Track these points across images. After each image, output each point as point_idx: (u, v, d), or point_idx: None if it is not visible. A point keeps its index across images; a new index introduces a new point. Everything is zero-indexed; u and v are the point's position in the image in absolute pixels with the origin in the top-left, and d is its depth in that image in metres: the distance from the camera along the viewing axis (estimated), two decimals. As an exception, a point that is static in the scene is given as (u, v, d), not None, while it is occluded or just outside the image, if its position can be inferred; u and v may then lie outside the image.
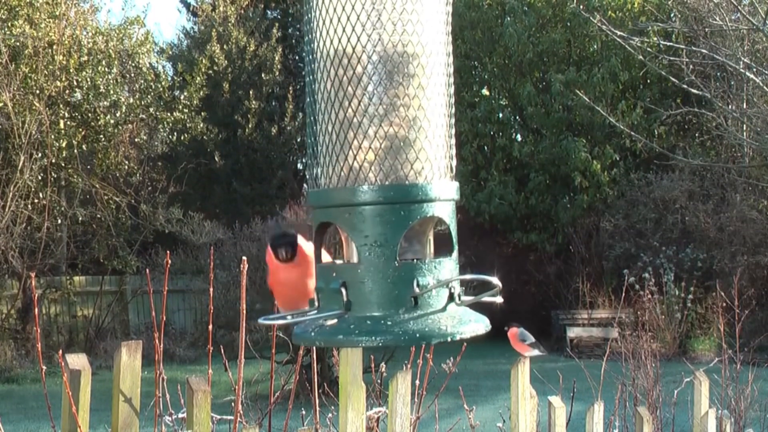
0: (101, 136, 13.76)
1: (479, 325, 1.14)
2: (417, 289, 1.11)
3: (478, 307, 1.17)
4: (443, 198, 1.14)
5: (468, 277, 1.17)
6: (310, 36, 1.17)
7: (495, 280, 1.14)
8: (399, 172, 1.12)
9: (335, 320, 1.11)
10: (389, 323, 1.09)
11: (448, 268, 1.14)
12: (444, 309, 1.13)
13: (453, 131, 1.19)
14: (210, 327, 2.12)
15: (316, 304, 1.16)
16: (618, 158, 15.17)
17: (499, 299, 1.16)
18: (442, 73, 1.17)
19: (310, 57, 1.18)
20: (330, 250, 1.23)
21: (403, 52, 1.13)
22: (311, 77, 1.18)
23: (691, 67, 12.19)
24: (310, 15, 1.17)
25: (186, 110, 14.84)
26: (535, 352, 3.31)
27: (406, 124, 1.13)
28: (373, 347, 1.11)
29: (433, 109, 1.15)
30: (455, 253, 1.16)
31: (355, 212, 1.12)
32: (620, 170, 15.06)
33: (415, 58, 1.14)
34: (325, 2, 1.14)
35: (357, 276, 1.11)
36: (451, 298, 1.13)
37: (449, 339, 1.11)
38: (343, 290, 1.11)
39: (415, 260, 1.14)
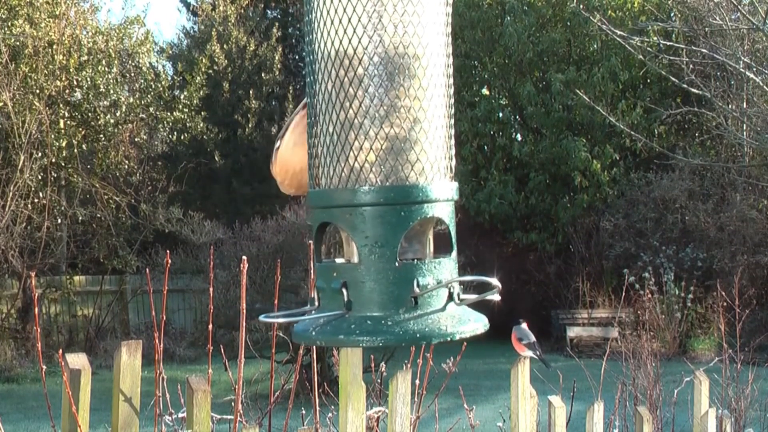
0: (101, 135, 13.76)
1: (479, 324, 1.14)
2: (417, 289, 1.11)
3: (477, 305, 1.17)
4: (443, 198, 1.14)
5: (468, 278, 1.18)
6: (310, 36, 1.17)
7: (494, 281, 1.14)
8: (399, 173, 1.12)
9: (336, 320, 1.12)
10: (390, 323, 1.10)
11: (447, 267, 1.14)
12: (443, 309, 1.13)
13: (453, 132, 1.19)
14: (210, 326, 2.12)
15: (317, 303, 1.16)
16: (618, 158, 15.16)
17: (497, 297, 1.17)
18: (442, 74, 1.17)
19: (311, 57, 1.18)
20: (329, 250, 1.24)
21: (404, 53, 1.13)
22: (312, 78, 1.18)
23: (691, 66, 12.20)
24: (310, 15, 1.17)
25: (186, 110, 14.84)
26: (529, 353, 3.29)
27: (406, 125, 1.13)
28: (373, 347, 1.11)
29: (433, 110, 1.15)
30: (454, 253, 1.17)
31: (355, 213, 1.12)
32: (620, 170, 15.05)
33: (416, 59, 1.14)
34: (326, 3, 1.14)
35: (358, 276, 1.11)
36: (450, 297, 1.14)
37: (449, 339, 1.11)
38: (344, 290, 1.11)
39: (415, 260, 1.14)
